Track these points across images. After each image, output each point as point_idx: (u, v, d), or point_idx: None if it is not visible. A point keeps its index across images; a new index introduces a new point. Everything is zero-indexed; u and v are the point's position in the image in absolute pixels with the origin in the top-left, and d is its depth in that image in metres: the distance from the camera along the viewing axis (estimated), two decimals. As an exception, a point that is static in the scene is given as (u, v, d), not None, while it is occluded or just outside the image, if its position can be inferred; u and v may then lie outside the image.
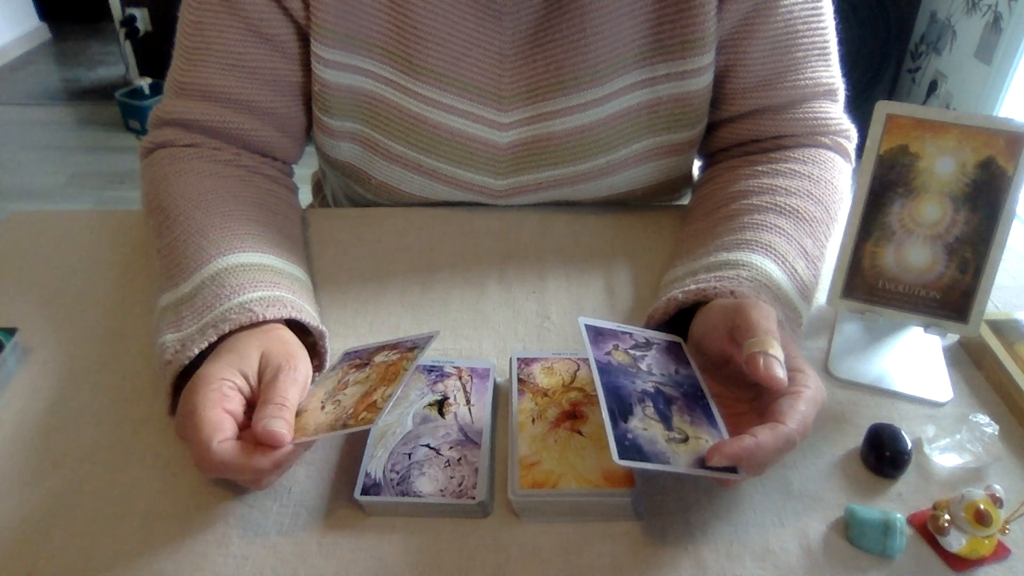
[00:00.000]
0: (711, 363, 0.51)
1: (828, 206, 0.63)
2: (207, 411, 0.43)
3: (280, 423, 0.44)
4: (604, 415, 0.42)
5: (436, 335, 0.53)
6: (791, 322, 0.53)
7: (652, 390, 0.46)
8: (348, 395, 0.48)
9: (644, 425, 0.43)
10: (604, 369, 0.46)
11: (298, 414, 0.47)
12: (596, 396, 0.44)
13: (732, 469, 0.42)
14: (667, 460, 0.41)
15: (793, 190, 0.62)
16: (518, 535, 0.45)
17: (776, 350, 0.44)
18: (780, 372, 0.43)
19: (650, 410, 0.44)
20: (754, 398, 0.47)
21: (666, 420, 0.44)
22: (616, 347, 0.49)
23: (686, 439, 0.43)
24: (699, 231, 0.64)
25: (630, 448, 0.41)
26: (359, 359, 0.54)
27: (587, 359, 0.56)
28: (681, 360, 0.51)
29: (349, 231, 0.74)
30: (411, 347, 0.53)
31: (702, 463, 0.42)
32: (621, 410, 0.44)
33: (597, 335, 0.49)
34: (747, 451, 0.41)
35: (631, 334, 0.51)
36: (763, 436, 0.41)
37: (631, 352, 0.49)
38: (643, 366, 0.48)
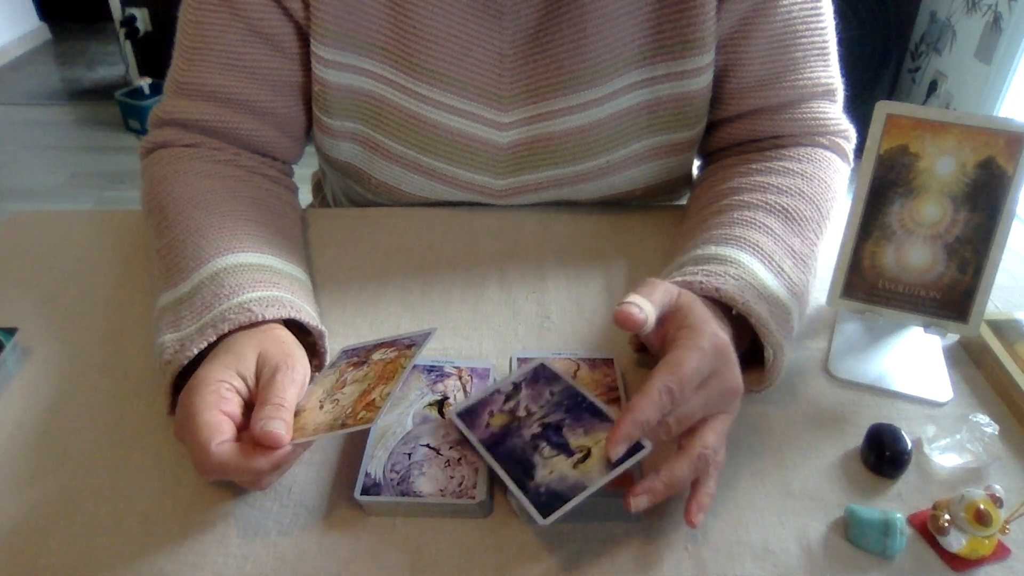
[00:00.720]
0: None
1: (820, 205, 0.63)
2: (205, 413, 0.43)
3: (278, 424, 0.44)
4: (511, 488, 0.43)
5: (433, 332, 0.53)
6: (778, 319, 0.52)
7: (539, 430, 0.46)
8: (346, 394, 0.48)
9: (548, 469, 0.43)
10: (490, 444, 0.46)
11: (297, 413, 0.47)
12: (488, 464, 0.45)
13: (637, 446, 0.42)
14: (583, 485, 0.41)
15: (785, 188, 0.62)
16: (518, 535, 0.45)
17: (635, 298, 0.45)
18: (633, 311, 0.45)
19: (547, 450, 0.45)
20: None
21: (564, 448, 0.44)
22: (491, 413, 0.49)
23: (588, 453, 0.44)
24: (691, 227, 0.64)
25: (548, 501, 0.41)
26: (357, 357, 0.54)
27: (587, 359, 0.56)
28: (549, 379, 0.51)
29: (349, 231, 0.74)
30: (409, 344, 0.53)
31: (609, 462, 0.42)
32: (525, 470, 0.44)
33: (471, 415, 0.49)
34: (628, 422, 0.41)
35: (498, 390, 0.51)
36: (634, 399, 0.42)
37: (505, 409, 0.49)
38: (521, 412, 0.48)
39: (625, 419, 0.41)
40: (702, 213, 0.65)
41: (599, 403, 0.47)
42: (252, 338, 0.49)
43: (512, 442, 0.46)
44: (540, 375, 0.51)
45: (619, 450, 0.41)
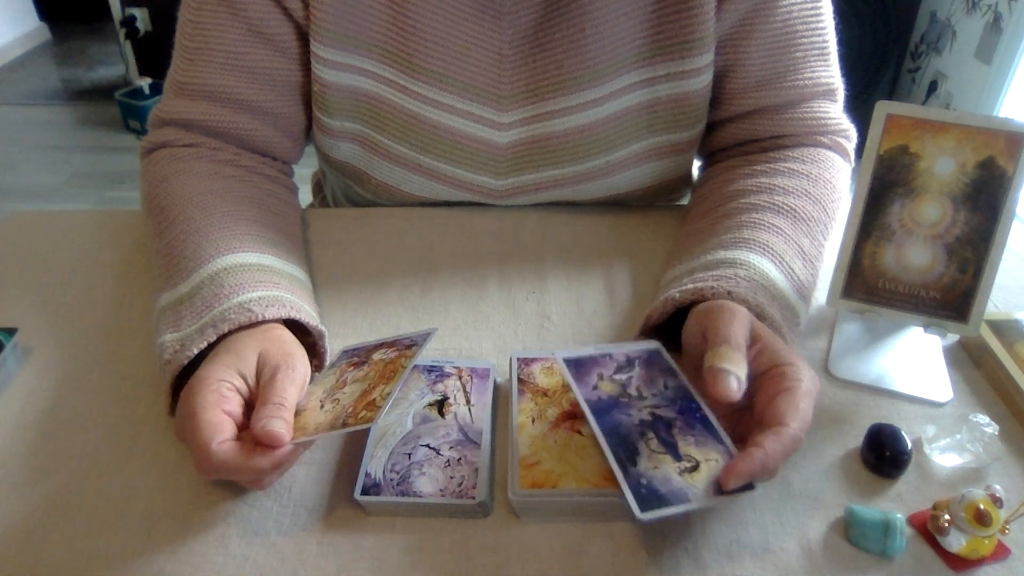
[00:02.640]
0: (699, 365, 0.50)
1: (826, 205, 0.63)
2: (206, 413, 0.43)
3: (279, 423, 0.44)
4: (613, 466, 0.42)
5: (434, 332, 0.53)
6: (788, 321, 0.53)
7: (649, 418, 0.46)
8: (347, 394, 0.48)
9: (653, 463, 0.43)
10: (596, 408, 0.46)
11: (297, 413, 0.47)
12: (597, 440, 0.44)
13: (748, 486, 0.42)
14: (687, 498, 0.41)
15: (791, 189, 0.62)
16: (518, 535, 0.45)
17: (730, 362, 0.44)
18: (732, 386, 0.43)
19: (654, 443, 0.44)
20: (747, 395, 0.47)
21: (673, 449, 0.44)
22: (600, 376, 0.49)
23: (697, 466, 0.43)
24: (697, 230, 0.64)
25: (648, 496, 0.40)
26: (357, 357, 0.54)
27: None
28: (665, 370, 0.50)
29: (349, 231, 0.74)
30: (409, 344, 0.53)
31: (718, 487, 0.41)
32: (627, 452, 0.43)
33: (579, 368, 0.49)
34: (759, 464, 0.41)
35: (611, 355, 0.50)
36: (770, 444, 0.41)
37: (616, 378, 0.49)
38: (632, 391, 0.48)
39: (754, 458, 0.41)
40: (708, 217, 0.65)
41: (712, 418, 0.46)
42: (253, 338, 0.49)
43: (619, 417, 0.45)
44: (655, 360, 0.50)
45: (737, 484, 0.41)
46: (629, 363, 0.50)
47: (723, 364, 0.44)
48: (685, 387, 0.49)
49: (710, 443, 0.45)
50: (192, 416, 0.43)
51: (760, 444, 0.41)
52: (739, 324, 0.47)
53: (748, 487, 0.42)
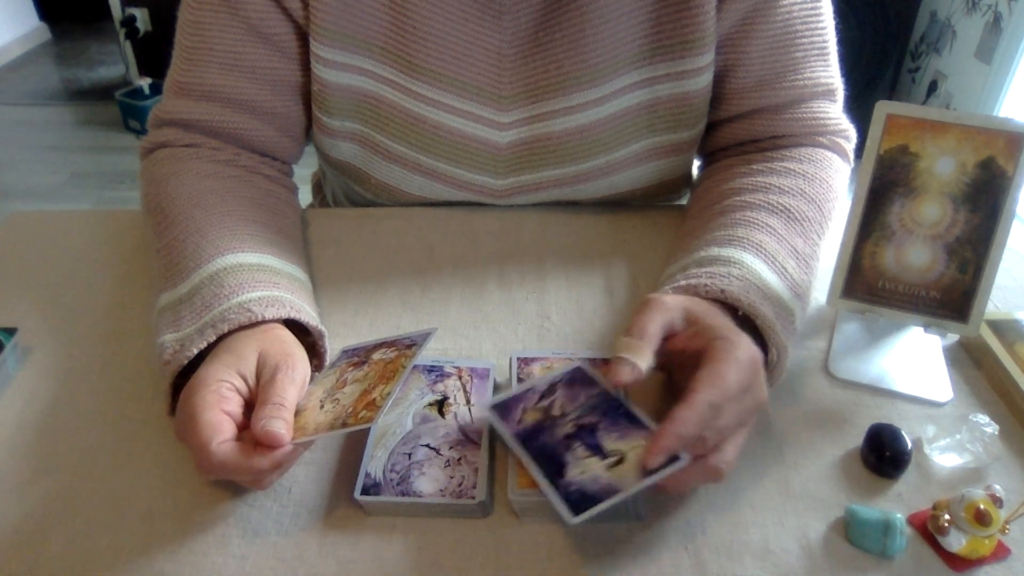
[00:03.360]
0: (676, 361, 0.51)
1: (822, 205, 0.63)
2: (206, 413, 0.43)
3: (279, 423, 0.44)
4: (541, 483, 0.42)
5: (434, 332, 0.53)
6: (781, 320, 0.52)
7: (573, 430, 0.46)
8: (347, 393, 0.48)
9: (580, 469, 0.43)
10: (523, 436, 0.46)
11: (297, 413, 0.47)
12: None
13: (674, 458, 0.42)
14: (615, 489, 0.41)
15: (786, 188, 0.62)
16: (518, 535, 0.45)
17: (627, 350, 0.45)
18: (623, 371, 0.45)
19: (580, 450, 0.44)
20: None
21: (598, 451, 0.44)
22: (524, 409, 0.49)
23: (623, 457, 0.43)
24: (693, 228, 0.64)
25: (577, 500, 0.41)
26: (357, 357, 0.54)
27: (588, 358, 0.56)
28: (587, 383, 0.50)
29: (349, 231, 0.74)
30: (409, 344, 0.53)
31: (645, 470, 0.41)
32: (556, 468, 0.43)
33: (503, 411, 0.49)
34: (668, 434, 0.41)
35: (533, 388, 0.51)
36: (679, 412, 0.41)
37: (539, 406, 0.49)
38: (555, 412, 0.48)
39: (668, 431, 0.41)
40: (704, 214, 0.65)
41: (636, 410, 0.47)
42: (252, 338, 0.49)
43: (544, 439, 0.46)
44: (577, 378, 0.51)
45: (658, 460, 0.41)
46: (551, 389, 0.51)
47: (620, 352, 0.45)
48: (605, 391, 0.49)
49: (634, 432, 0.45)
50: (192, 416, 0.43)
51: (671, 416, 0.41)
52: (652, 315, 0.47)
53: (674, 459, 0.42)
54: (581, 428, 0.46)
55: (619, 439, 0.45)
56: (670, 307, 0.48)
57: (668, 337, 0.48)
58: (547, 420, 0.48)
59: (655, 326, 0.47)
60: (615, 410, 0.47)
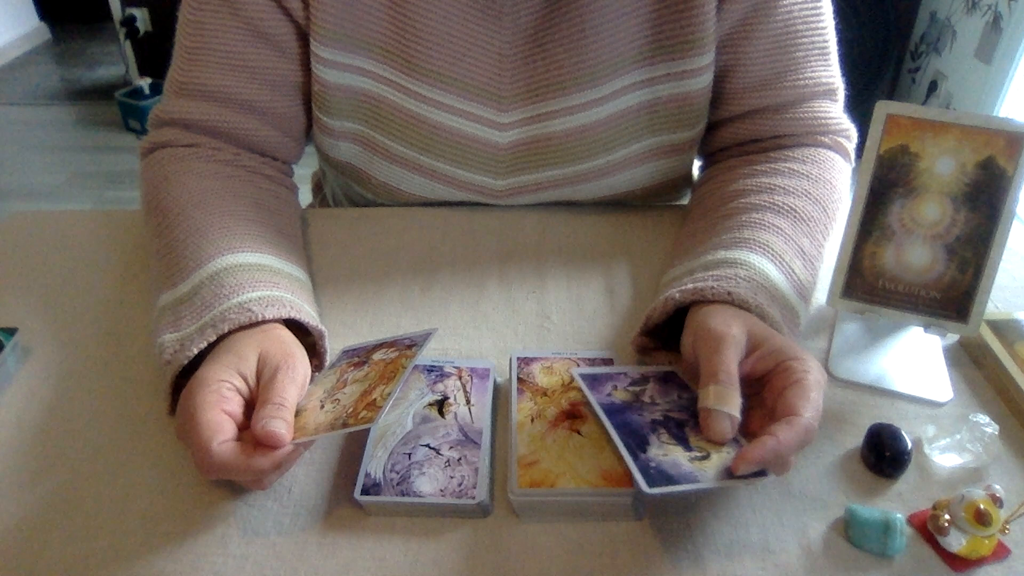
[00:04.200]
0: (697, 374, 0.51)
1: (826, 206, 0.63)
2: (206, 413, 0.43)
3: (279, 423, 0.44)
4: (621, 449, 0.42)
5: (434, 332, 0.53)
6: (788, 322, 0.53)
7: (661, 418, 0.46)
8: (347, 394, 0.48)
9: (663, 452, 0.43)
10: (609, 409, 0.46)
11: (297, 413, 0.47)
12: (603, 425, 0.44)
13: (760, 472, 0.42)
14: (695, 479, 0.41)
15: (791, 189, 0.62)
16: (518, 535, 0.45)
17: (722, 401, 0.44)
18: (725, 427, 0.44)
19: (665, 436, 0.44)
20: (755, 392, 0.47)
21: (684, 442, 0.44)
22: (615, 387, 0.49)
23: (708, 455, 0.43)
24: (697, 230, 0.64)
25: (656, 476, 0.40)
26: (357, 357, 0.54)
27: (587, 358, 0.56)
28: (681, 386, 0.51)
29: (349, 231, 0.74)
30: (409, 344, 0.53)
31: (730, 474, 0.41)
32: (637, 442, 0.43)
33: (593, 381, 0.49)
34: (772, 452, 0.41)
35: (625, 373, 0.51)
36: (783, 433, 0.41)
37: (630, 389, 0.49)
38: (645, 399, 0.48)
39: (768, 445, 0.41)
40: (708, 217, 0.65)
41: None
42: (253, 338, 0.49)
43: (630, 416, 0.46)
44: (671, 379, 0.51)
45: (749, 469, 0.41)
46: (644, 379, 0.51)
47: (715, 405, 0.44)
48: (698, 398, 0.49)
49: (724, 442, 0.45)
50: (192, 417, 0.43)
51: (773, 433, 0.41)
52: (728, 351, 0.46)
53: (760, 473, 0.42)
54: (669, 419, 0.46)
55: (706, 440, 0.44)
56: (739, 339, 0.47)
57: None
58: (636, 403, 0.48)
59: (734, 365, 0.46)
60: None
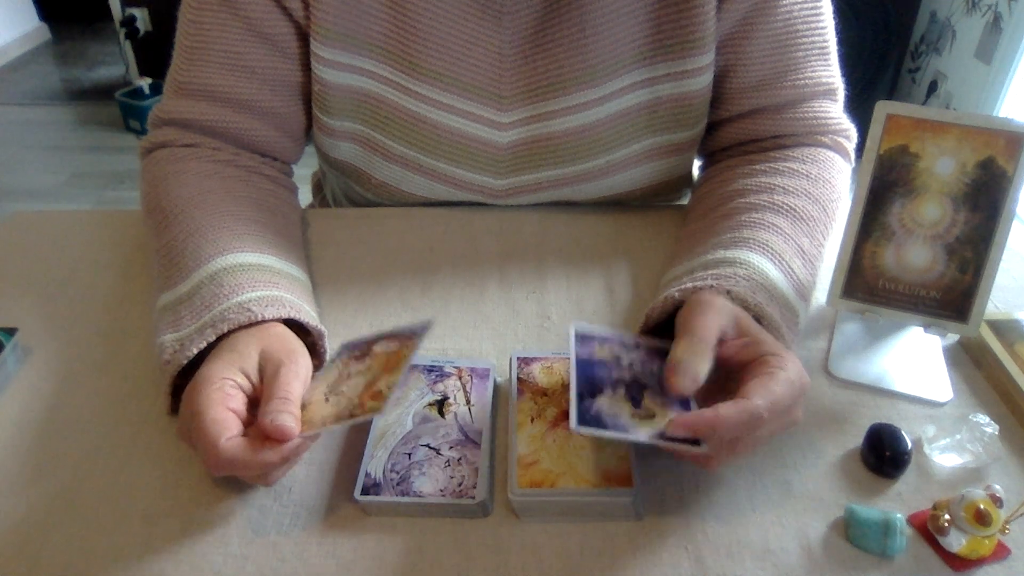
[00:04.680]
0: None
1: (826, 205, 0.63)
2: (211, 411, 0.43)
3: (287, 417, 0.44)
4: (572, 391, 0.43)
5: (431, 322, 0.53)
6: (787, 321, 0.53)
7: (628, 379, 0.47)
8: (351, 386, 0.48)
9: (611, 403, 0.44)
10: (582, 362, 0.47)
11: (302, 408, 0.47)
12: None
13: (694, 441, 0.42)
14: (625, 430, 0.42)
15: (791, 189, 0.62)
16: (518, 535, 0.45)
17: (690, 353, 0.45)
18: (682, 381, 0.44)
19: (621, 392, 0.45)
20: (729, 379, 0.47)
21: (635, 401, 0.45)
22: (600, 345, 0.50)
23: (652, 416, 0.44)
24: (697, 230, 0.64)
25: (588, 418, 0.42)
26: (358, 351, 0.54)
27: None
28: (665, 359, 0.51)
29: (349, 231, 0.74)
30: (409, 335, 0.53)
31: (663, 436, 0.42)
32: (590, 390, 0.44)
33: (585, 339, 0.50)
34: (706, 422, 0.41)
35: (621, 337, 0.51)
36: (724, 409, 0.41)
37: (615, 350, 0.50)
38: (624, 363, 0.49)
39: (704, 417, 0.41)
40: (708, 217, 0.65)
41: (692, 402, 0.47)
42: (253, 336, 0.49)
43: (597, 371, 0.47)
44: (663, 355, 0.51)
45: (679, 432, 0.41)
46: (636, 346, 0.51)
47: (682, 356, 0.45)
48: None
49: (675, 407, 0.45)
50: (197, 415, 0.43)
51: (715, 409, 0.41)
52: (709, 318, 0.47)
53: (694, 442, 0.42)
54: (634, 380, 0.47)
55: (659, 405, 0.45)
56: (723, 312, 0.48)
57: (719, 342, 0.48)
58: (612, 361, 0.48)
59: (712, 329, 0.47)
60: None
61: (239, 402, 0.46)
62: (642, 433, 0.42)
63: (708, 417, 0.41)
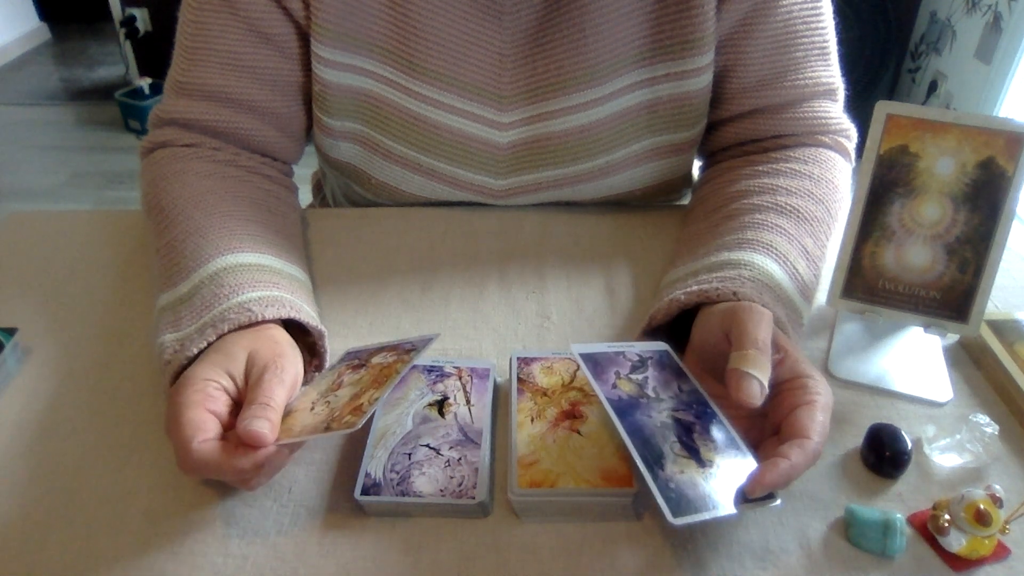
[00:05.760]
0: (714, 366, 0.50)
1: (829, 205, 0.63)
2: (189, 411, 0.43)
3: (262, 423, 0.43)
4: (642, 468, 0.42)
5: (436, 337, 0.53)
6: (792, 322, 0.53)
7: (670, 421, 0.46)
8: (339, 396, 0.48)
9: (679, 468, 0.42)
10: (619, 408, 0.45)
11: (287, 414, 0.47)
12: (614, 425, 0.44)
13: (770, 496, 0.42)
14: (714, 504, 0.41)
15: (794, 190, 0.63)
16: (518, 535, 0.45)
17: (757, 367, 0.44)
18: (755, 392, 0.43)
19: (678, 447, 0.44)
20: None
21: (695, 454, 0.44)
22: (618, 375, 0.48)
23: (714, 464, 0.43)
24: (699, 231, 0.64)
25: (678, 500, 0.40)
26: (358, 360, 0.54)
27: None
28: (677, 372, 0.50)
29: (349, 231, 0.74)
30: (409, 349, 0.53)
31: (742, 495, 0.41)
32: (653, 456, 0.43)
33: (596, 365, 0.49)
34: (785, 476, 0.41)
35: (623, 353, 0.50)
36: (795, 457, 0.41)
37: (633, 378, 0.49)
38: (649, 391, 0.48)
39: (780, 468, 0.40)
40: (711, 218, 0.65)
41: (727, 424, 0.46)
42: (244, 338, 0.49)
43: (641, 419, 0.45)
44: (666, 362, 0.50)
45: (761, 493, 0.41)
46: (642, 363, 0.50)
47: (749, 368, 0.44)
48: (698, 391, 0.49)
49: (730, 450, 0.44)
50: (176, 414, 0.43)
51: (786, 455, 0.41)
52: (765, 327, 0.46)
53: (770, 497, 0.42)
54: (677, 422, 0.46)
55: (716, 451, 0.44)
56: (771, 320, 0.47)
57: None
58: (643, 398, 0.47)
59: (768, 338, 0.46)
60: (708, 416, 0.47)
61: (221, 404, 0.45)
62: (728, 504, 0.41)
63: (785, 469, 0.40)
